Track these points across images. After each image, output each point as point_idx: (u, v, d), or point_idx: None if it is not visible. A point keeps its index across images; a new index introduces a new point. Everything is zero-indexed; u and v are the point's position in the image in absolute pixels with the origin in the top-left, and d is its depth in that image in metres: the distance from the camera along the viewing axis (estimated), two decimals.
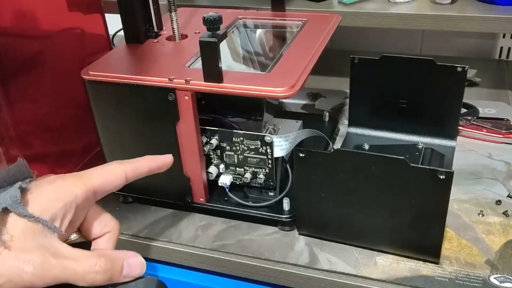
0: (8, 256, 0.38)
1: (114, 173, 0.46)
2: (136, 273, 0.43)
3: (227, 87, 0.57)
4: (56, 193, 0.41)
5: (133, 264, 0.43)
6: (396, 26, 0.83)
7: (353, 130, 0.81)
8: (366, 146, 0.75)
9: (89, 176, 0.44)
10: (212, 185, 0.68)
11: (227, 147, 0.65)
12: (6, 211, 0.38)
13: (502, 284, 0.56)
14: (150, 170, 0.49)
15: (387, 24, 0.83)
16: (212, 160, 0.67)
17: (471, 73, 0.98)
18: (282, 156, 0.64)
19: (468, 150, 0.78)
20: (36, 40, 0.71)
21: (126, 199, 0.72)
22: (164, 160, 0.50)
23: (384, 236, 0.60)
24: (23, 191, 0.39)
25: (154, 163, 0.49)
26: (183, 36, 0.71)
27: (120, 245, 0.69)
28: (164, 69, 0.62)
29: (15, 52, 0.68)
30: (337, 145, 0.80)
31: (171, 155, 0.52)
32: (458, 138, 0.78)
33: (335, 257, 0.61)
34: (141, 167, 0.48)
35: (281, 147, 0.63)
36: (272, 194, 0.67)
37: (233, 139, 0.64)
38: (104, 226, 0.46)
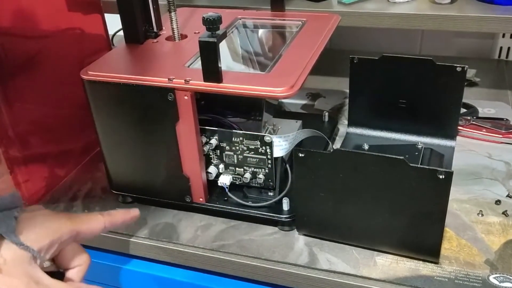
0: None
1: (97, 223, 0.51)
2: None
3: (227, 87, 0.57)
4: (47, 229, 0.46)
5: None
6: (396, 26, 0.83)
7: (353, 130, 0.81)
8: (366, 146, 0.75)
9: (77, 220, 0.50)
10: (211, 185, 0.68)
11: (227, 147, 0.65)
12: (0, 237, 0.42)
13: (501, 284, 0.56)
14: (123, 222, 0.55)
15: (387, 24, 0.83)
16: (212, 160, 0.67)
17: (470, 73, 0.98)
18: (282, 156, 0.64)
19: (467, 150, 0.78)
20: (35, 40, 0.71)
21: (126, 199, 0.72)
22: (134, 214, 0.56)
23: (383, 236, 0.60)
24: (16, 219, 0.44)
25: (127, 216, 0.55)
26: (183, 36, 0.71)
27: (120, 245, 0.69)
28: (164, 69, 0.62)
29: (15, 52, 0.68)
30: (337, 145, 0.80)
31: (137, 209, 0.56)
32: (458, 138, 0.78)
33: (335, 257, 0.61)
34: (117, 220, 0.54)
35: (280, 147, 0.63)
36: (271, 194, 0.67)
37: (233, 139, 0.64)
38: (77, 259, 0.50)
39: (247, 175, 0.66)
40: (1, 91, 0.66)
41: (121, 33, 0.71)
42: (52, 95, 0.74)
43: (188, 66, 0.63)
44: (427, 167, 0.54)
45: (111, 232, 0.68)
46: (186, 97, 0.59)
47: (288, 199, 0.65)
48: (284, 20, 0.77)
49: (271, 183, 0.66)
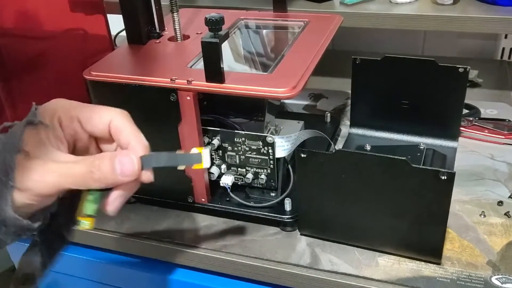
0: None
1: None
2: (128, 171, 0.42)
3: (229, 87, 0.57)
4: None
5: (123, 161, 0.42)
6: (398, 27, 0.83)
7: (355, 130, 0.81)
8: (368, 147, 0.75)
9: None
10: (214, 185, 0.68)
11: (229, 147, 0.65)
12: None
13: (503, 285, 0.56)
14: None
15: (389, 25, 0.83)
16: (214, 161, 0.67)
17: (473, 74, 0.98)
18: (284, 157, 0.64)
19: (470, 151, 0.78)
20: (38, 40, 0.71)
21: (129, 199, 0.72)
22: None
23: (385, 237, 0.60)
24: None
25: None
26: (185, 37, 0.71)
27: (122, 245, 0.69)
28: (166, 69, 0.62)
29: (18, 53, 0.68)
30: (339, 145, 0.80)
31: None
32: (460, 139, 0.78)
33: (337, 258, 0.61)
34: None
35: (282, 147, 0.63)
36: (273, 194, 0.67)
37: (235, 139, 0.64)
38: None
39: (249, 176, 0.66)
40: (4, 92, 0.67)
41: (124, 33, 0.71)
42: (55, 95, 0.74)
43: (191, 67, 0.63)
44: (429, 168, 0.54)
45: (112, 232, 0.68)
46: (188, 98, 0.59)
47: (290, 200, 0.65)
48: (286, 21, 0.77)
49: (273, 183, 0.66)
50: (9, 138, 0.41)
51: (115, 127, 0.45)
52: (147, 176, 0.43)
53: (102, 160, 0.42)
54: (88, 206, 0.44)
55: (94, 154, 0.46)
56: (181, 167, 0.45)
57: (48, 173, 0.40)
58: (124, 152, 0.44)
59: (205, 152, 0.44)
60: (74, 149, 0.46)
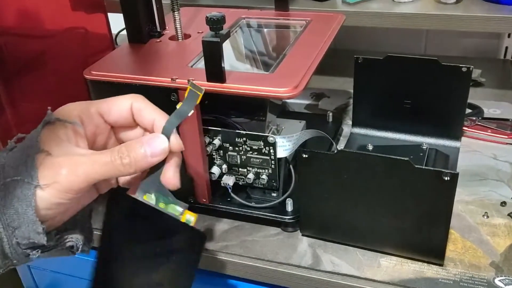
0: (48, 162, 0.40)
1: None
2: (158, 149, 0.43)
3: (230, 87, 0.57)
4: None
5: (154, 144, 0.43)
6: (400, 25, 0.82)
7: (357, 130, 0.81)
8: (370, 147, 0.75)
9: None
10: (214, 185, 0.67)
11: (230, 147, 0.65)
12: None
13: (507, 287, 0.56)
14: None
15: (391, 23, 0.82)
16: (215, 161, 0.66)
17: (476, 73, 0.97)
18: (286, 157, 0.64)
19: (472, 151, 0.78)
20: (39, 39, 0.71)
21: None
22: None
23: (388, 238, 0.59)
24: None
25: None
26: (186, 36, 0.71)
27: None
28: (167, 69, 0.62)
29: (18, 52, 0.68)
30: (341, 145, 0.79)
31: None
32: (463, 138, 0.78)
33: (339, 259, 0.61)
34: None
35: (284, 147, 0.62)
36: (275, 195, 0.66)
37: (236, 139, 0.64)
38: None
39: (251, 176, 0.65)
40: (5, 91, 0.66)
41: (125, 32, 0.71)
42: (56, 95, 0.74)
43: (192, 66, 0.62)
44: (432, 168, 0.53)
45: None
46: None
47: (291, 200, 0.64)
48: (288, 19, 0.77)
49: (274, 183, 0.65)
50: (27, 141, 0.41)
51: (137, 109, 0.46)
52: (176, 144, 0.44)
53: (129, 146, 0.42)
54: (170, 207, 0.44)
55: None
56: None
57: (77, 166, 0.40)
58: (149, 134, 0.45)
59: (192, 84, 0.45)
60: (93, 147, 0.46)
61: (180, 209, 0.45)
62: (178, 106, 0.45)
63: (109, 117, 0.46)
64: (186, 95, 0.45)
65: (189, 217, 0.45)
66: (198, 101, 0.45)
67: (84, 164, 0.40)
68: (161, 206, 0.44)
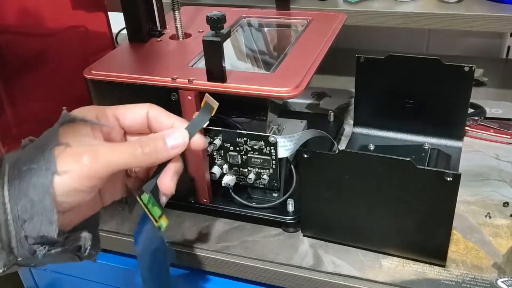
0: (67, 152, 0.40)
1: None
2: (181, 143, 0.44)
3: (231, 87, 0.56)
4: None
5: (174, 136, 0.44)
6: (402, 25, 0.82)
7: (359, 130, 0.81)
8: (372, 147, 0.74)
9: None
10: (215, 185, 0.67)
11: (231, 147, 0.64)
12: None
13: None
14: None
15: (393, 23, 0.82)
16: (216, 161, 0.66)
17: (478, 73, 0.97)
18: (287, 157, 0.64)
19: (475, 151, 0.77)
20: (39, 38, 0.71)
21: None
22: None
23: (389, 238, 0.59)
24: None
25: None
26: (187, 35, 0.71)
27: (124, 245, 0.68)
28: (167, 68, 0.62)
29: (19, 50, 0.67)
30: (342, 145, 0.79)
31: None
32: (465, 138, 0.77)
33: (340, 260, 0.60)
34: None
35: (285, 147, 0.62)
36: (276, 195, 0.66)
37: (237, 139, 0.63)
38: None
39: (251, 176, 0.65)
40: (5, 90, 0.66)
41: (125, 31, 0.70)
42: (56, 94, 0.74)
43: (192, 66, 0.62)
44: (434, 169, 0.53)
45: (113, 233, 0.68)
46: (189, 97, 0.58)
47: (292, 200, 0.64)
48: (289, 19, 0.76)
49: (275, 184, 0.65)
50: (43, 137, 0.41)
51: (154, 116, 0.47)
52: (198, 143, 0.45)
53: (151, 137, 0.43)
54: (154, 209, 0.45)
55: None
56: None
57: (98, 153, 0.40)
58: (170, 129, 0.45)
59: (207, 97, 0.47)
60: None
61: (159, 212, 0.45)
62: (194, 116, 0.47)
63: (125, 121, 0.46)
64: (202, 105, 0.47)
65: (163, 223, 0.46)
66: (213, 113, 0.46)
67: (106, 152, 0.40)
68: (149, 206, 0.45)
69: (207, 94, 0.47)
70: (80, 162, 0.39)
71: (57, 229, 0.39)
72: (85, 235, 0.43)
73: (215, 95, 0.58)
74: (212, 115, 0.47)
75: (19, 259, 0.39)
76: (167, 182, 0.45)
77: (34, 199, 0.38)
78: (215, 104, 0.46)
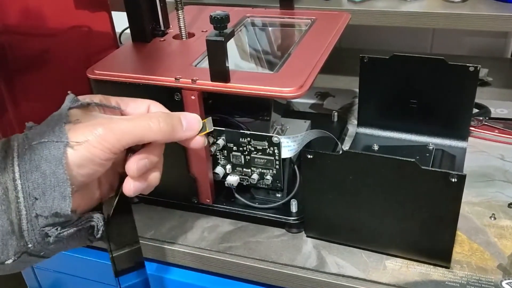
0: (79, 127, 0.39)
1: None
2: (195, 127, 0.45)
3: (234, 87, 0.56)
4: None
5: (189, 118, 0.45)
6: (407, 24, 0.81)
7: (362, 130, 0.80)
8: (376, 147, 0.74)
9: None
10: (218, 186, 0.67)
11: (234, 147, 0.64)
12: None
13: None
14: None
15: (397, 22, 0.82)
16: (219, 161, 0.66)
17: (482, 73, 0.96)
18: (290, 157, 0.63)
19: (479, 151, 0.77)
20: (42, 38, 0.71)
21: (132, 199, 0.71)
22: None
23: (393, 240, 0.59)
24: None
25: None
26: (190, 35, 0.70)
27: None
28: (171, 68, 0.62)
29: (21, 50, 0.67)
30: (346, 145, 0.79)
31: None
32: (470, 139, 0.77)
33: (344, 261, 0.60)
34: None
35: (289, 147, 0.62)
36: (279, 195, 0.66)
37: (240, 139, 0.63)
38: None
39: (255, 176, 0.65)
40: (7, 90, 0.66)
41: (129, 31, 0.70)
42: (59, 94, 0.73)
43: (195, 65, 0.62)
44: (439, 170, 0.53)
45: None
46: (193, 97, 0.58)
47: (296, 201, 0.64)
48: (293, 18, 0.76)
49: (279, 184, 0.65)
50: (53, 116, 0.40)
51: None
52: (197, 141, 0.45)
53: (167, 113, 0.44)
54: None
55: None
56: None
57: (113, 124, 0.39)
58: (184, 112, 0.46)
59: (208, 120, 0.47)
60: None
61: None
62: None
63: (127, 108, 0.46)
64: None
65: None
66: (201, 135, 0.46)
67: (121, 123, 0.40)
68: None
69: (209, 118, 0.47)
70: (93, 132, 0.38)
71: (71, 204, 0.37)
72: (98, 215, 0.42)
73: (218, 95, 0.58)
74: (200, 135, 0.47)
75: (29, 245, 0.37)
76: (130, 164, 0.42)
77: (46, 172, 0.36)
78: (210, 129, 0.46)
